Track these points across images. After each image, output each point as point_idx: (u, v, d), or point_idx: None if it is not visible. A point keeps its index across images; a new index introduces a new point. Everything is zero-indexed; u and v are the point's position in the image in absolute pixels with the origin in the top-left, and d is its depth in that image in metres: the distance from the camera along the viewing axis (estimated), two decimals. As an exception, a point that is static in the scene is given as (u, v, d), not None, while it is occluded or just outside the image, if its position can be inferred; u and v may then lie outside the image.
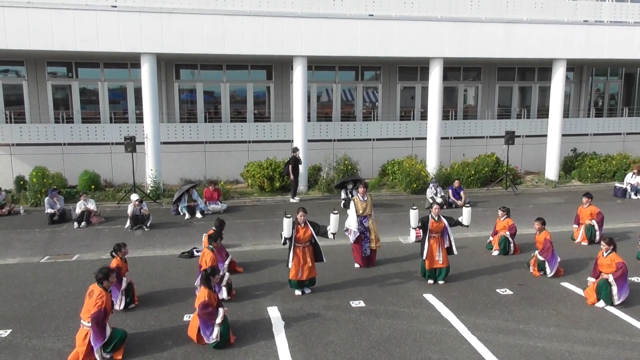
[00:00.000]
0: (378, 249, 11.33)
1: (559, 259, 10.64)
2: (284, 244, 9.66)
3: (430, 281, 10.28)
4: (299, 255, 9.58)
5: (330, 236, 9.79)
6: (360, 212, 11.06)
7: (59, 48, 16.58)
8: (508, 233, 12.04)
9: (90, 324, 7.26)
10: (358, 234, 11.00)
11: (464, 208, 10.46)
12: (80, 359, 7.28)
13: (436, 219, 10.20)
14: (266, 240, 13.46)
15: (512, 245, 12.06)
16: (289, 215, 9.41)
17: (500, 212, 12.51)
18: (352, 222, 10.97)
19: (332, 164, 19.42)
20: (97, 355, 7.26)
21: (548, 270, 10.52)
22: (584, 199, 12.94)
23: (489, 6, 19.93)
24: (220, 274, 8.93)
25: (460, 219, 10.39)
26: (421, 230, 10.42)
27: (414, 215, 10.34)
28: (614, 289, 9.08)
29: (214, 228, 11.02)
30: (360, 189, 11.31)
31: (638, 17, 21.24)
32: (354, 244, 11.22)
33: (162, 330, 8.26)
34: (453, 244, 10.37)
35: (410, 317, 8.72)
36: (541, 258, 10.63)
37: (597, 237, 12.49)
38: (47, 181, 17.02)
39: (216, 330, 7.67)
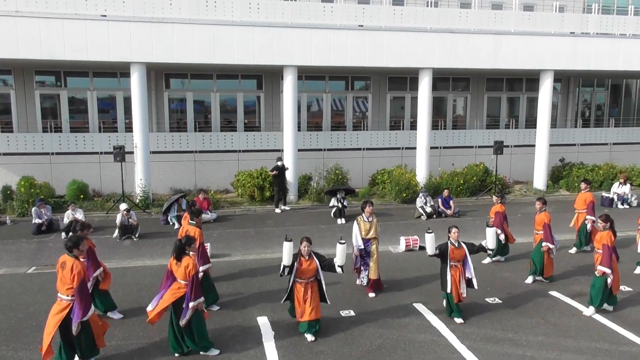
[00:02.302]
0: (377, 281, 10.22)
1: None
2: (282, 274, 8.27)
3: (459, 320, 8.88)
4: (299, 293, 8.27)
5: (338, 270, 8.30)
6: (364, 234, 10.09)
7: (47, 57, 16.52)
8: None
9: (71, 298, 7.09)
10: (357, 254, 10.13)
11: (487, 229, 9.31)
12: (52, 331, 7.13)
13: (456, 245, 8.92)
14: (256, 249, 13.43)
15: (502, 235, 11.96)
16: (290, 239, 8.07)
17: (494, 198, 12.65)
18: (354, 243, 10.12)
19: (322, 174, 19.46)
20: (73, 328, 7.07)
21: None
22: (537, 205, 11.62)
23: (478, 18, 20.14)
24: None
25: (483, 243, 9.32)
26: (439, 258, 9.02)
27: (430, 240, 8.90)
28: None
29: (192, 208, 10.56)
30: (367, 209, 10.14)
31: (623, 29, 21.56)
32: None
33: (150, 342, 8.19)
34: (474, 276, 9.07)
35: (400, 327, 8.72)
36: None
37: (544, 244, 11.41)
38: (35, 191, 16.87)
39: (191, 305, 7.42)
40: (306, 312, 8.16)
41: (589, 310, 9.25)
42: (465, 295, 8.97)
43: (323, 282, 8.40)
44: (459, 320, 8.83)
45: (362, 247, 10.06)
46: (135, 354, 7.79)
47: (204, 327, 7.80)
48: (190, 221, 9.69)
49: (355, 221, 10.23)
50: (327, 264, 8.35)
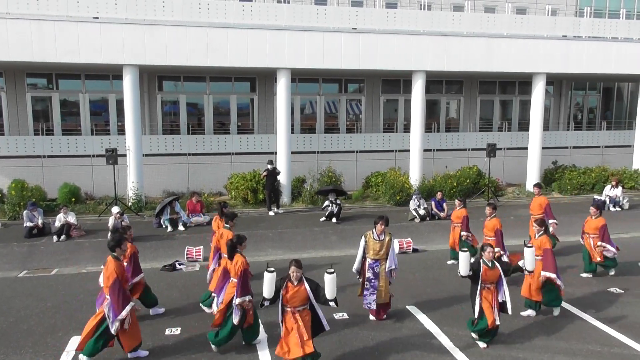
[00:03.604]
0: (386, 304, 9.08)
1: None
2: (262, 305, 7.20)
3: (483, 344, 8.15)
4: (287, 323, 7.07)
5: (332, 304, 7.22)
6: (371, 254, 8.80)
7: (39, 59, 16.43)
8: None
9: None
10: (358, 275, 9.02)
11: (525, 249, 8.64)
12: (90, 327, 7.41)
13: (490, 265, 8.05)
14: (249, 252, 13.27)
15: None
16: (272, 269, 7.04)
17: (457, 202, 12.50)
18: (356, 263, 9.04)
19: (316, 176, 19.45)
20: (111, 328, 7.24)
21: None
22: (487, 210, 11.24)
23: (470, 21, 20.22)
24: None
25: (521, 263, 8.67)
26: (471, 280, 8.16)
27: (464, 260, 7.97)
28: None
29: (224, 210, 10.92)
30: (379, 226, 8.81)
31: (615, 32, 21.73)
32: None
33: (143, 345, 8.12)
34: (508, 299, 8.11)
35: (394, 329, 8.71)
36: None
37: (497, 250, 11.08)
38: (26, 194, 16.75)
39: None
40: (292, 350, 6.85)
41: (556, 311, 9.29)
42: (498, 322, 7.99)
43: (318, 309, 7.16)
44: (482, 345, 8.11)
45: (359, 269, 8.97)
46: (128, 357, 7.73)
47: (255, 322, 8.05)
48: (224, 225, 9.82)
49: (362, 237, 8.95)
50: (322, 298, 7.15)
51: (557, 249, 12.01)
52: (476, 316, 8.04)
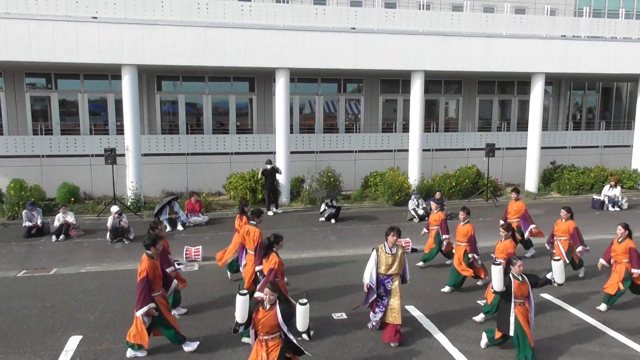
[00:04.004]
0: (397, 324, 8.18)
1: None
2: (235, 331, 6.71)
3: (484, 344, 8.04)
4: (254, 352, 6.46)
5: (304, 336, 7.10)
6: (383, 269, 8.17)
7: (38, 59, 16.41)
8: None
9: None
10: (373, 289, 8.23)
11: (553, 262, 8.18)
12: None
13: (520, 279, 7.65)
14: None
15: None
16: (246, 293, 6.36)
17: (433, 205, 12.54)
18: (366, 276, 8.31)
19: (314, 176, 19.44)
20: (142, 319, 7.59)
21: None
22: (461, 215, 10.81)
23: (469, 20, 20.22)
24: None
25: (549, 275, 8.30)
26: (502, 296, 7.77)
27: (498, 273, 7.56)
28: None
29: (245, 209, 11.08)
30: (390, 238, 8.18)
31: (614, 32, 21.74)
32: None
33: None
34: (533, 314, 7.79)
35: (392, 330, 8.70)
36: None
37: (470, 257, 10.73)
38: (25, 194, 16.74)
39: None
40: None
41: (478, 317, 9.13)
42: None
43: (291, 337, 6.35)
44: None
45: (374, 284, 8.22)
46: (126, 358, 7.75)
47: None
48: (250, 222, 9.90)
49: (374, 251, 8.31)
50: (295, 330, 6.48)
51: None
52: (511, 334, 7.55)
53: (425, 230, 12.56)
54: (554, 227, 11.60)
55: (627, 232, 9.57)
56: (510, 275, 7.67)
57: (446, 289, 10.58)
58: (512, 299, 7.54)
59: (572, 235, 11.17)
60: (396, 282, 8.22)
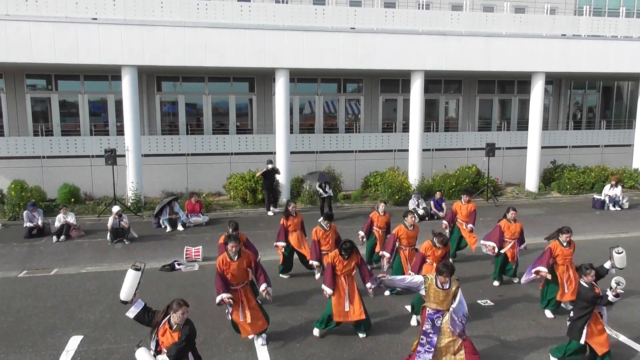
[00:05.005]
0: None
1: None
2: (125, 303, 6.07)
3: None
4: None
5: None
6: (433, 304, 6.83)
7: (38, 60, 16.44)
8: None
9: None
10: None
11: (614, 253, 7.78)
12: None
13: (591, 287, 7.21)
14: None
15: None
16: (138, 267, 5.99)
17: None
18: (412, 279, 7.19)
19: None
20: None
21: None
22: (408, 219, 10.62)
23: (469, 20, 20.22)
24: None
25: (607, 265, 7.90)
26: (585, 307, 7.20)
27: (620, 260, 7.37)
28: None
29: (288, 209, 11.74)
30: (442, 277, 6.73)
31: (615, 31, 21.72)
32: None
33: (135, 342, 8.13)
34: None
35: (393, 329, 8.71)
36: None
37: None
38: (26, 194, 16.77)
39: None
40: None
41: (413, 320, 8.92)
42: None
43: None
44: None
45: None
46: (126, 359, 7.75)
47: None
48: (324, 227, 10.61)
49: (422, 278, 6.98)
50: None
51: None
52: (582, 342, 7.17)
53: (445, 222, 12.93)
54: (503, 231, 10.91)
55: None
56: (586, 285, 7.17)
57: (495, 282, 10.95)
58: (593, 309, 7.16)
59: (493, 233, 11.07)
60: (446, 318, 6.78)
